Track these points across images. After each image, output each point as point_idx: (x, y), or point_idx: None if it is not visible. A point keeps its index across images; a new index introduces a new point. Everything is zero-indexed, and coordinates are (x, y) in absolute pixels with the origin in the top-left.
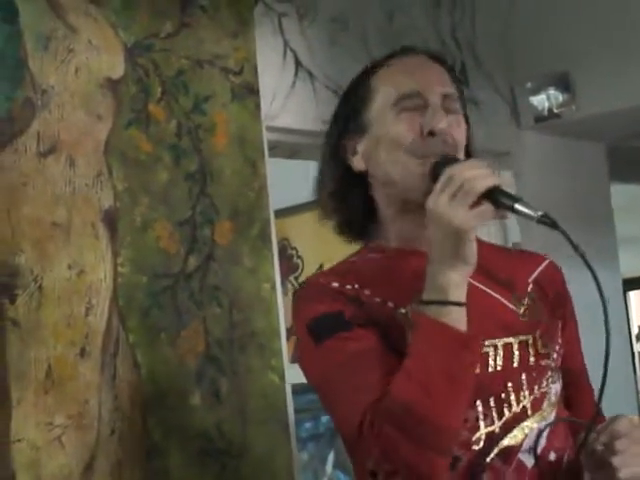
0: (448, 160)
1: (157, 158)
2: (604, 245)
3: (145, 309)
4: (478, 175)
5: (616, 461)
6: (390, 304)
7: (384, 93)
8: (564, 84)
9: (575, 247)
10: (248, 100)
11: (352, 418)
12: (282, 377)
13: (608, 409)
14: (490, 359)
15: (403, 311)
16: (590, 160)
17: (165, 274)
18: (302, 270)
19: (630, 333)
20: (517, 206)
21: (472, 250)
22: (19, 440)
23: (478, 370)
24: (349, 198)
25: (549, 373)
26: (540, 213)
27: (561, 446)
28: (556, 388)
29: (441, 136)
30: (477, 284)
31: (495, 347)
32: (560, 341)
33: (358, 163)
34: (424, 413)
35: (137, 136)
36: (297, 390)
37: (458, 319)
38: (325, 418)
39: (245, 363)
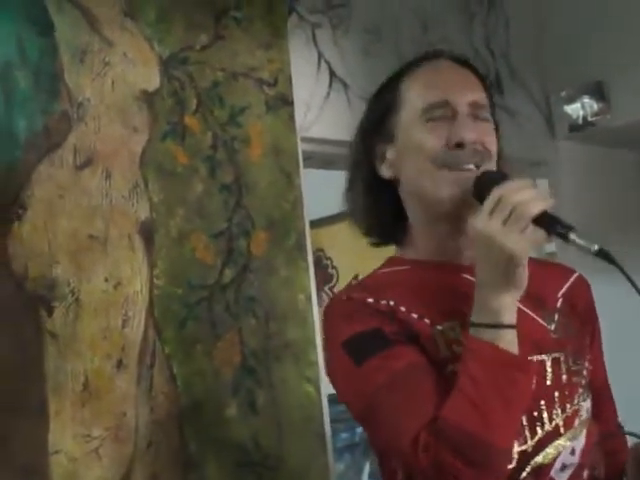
0: (493, 177)
1: (193, 170)
2: (637, 251)
3: (181, 321)
4: (529, 199)
5: None
6: (427, 320)
7: (412, 102)
8: (599, 93)
9: (631, 281)
10: (282, 111)
11: (402, 440)
12: (318, 388)
13: None
14: None
15: (440, 328)
16: (625, 168)
17: (201, 285)
18: (337, 280)
19: None
20: (571, 236)
21: (524, 274)
22: (57, 452)
23: None
24: (379, 204)
25: (580, 390)
26: (597, 247)
27: (593, 463)
28: (587, 405)
29: (470, 146)
30: None
31: None
32: (589, 357)
33: (387, 170)
34: (483, 438)
35: (173, 148)
36: (333, 400)
37: (511, 342)
38: (361, 428)
39: (281, 374)
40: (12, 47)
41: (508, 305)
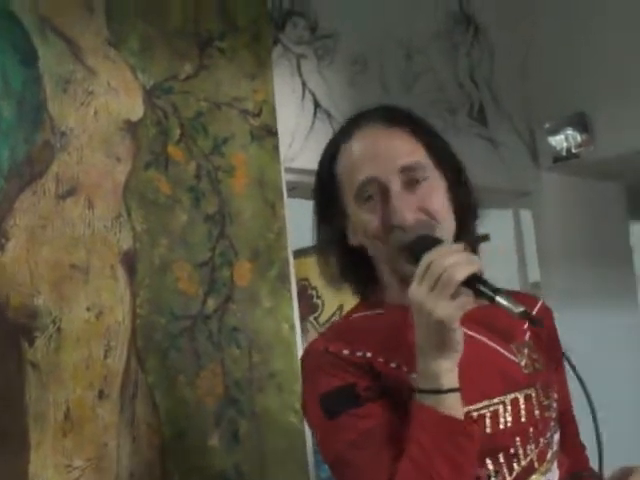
0: (425, 243)
1: (176, 200)
2: (623, 283)
3: (164, 350)
4: (456, 263)
5: None
6: (404, 368)
7: (346, 186)
8: (582, 124)
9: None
10: (267, 141)
11: None
12: (301, 418)
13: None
14: (500, 417)
15: (414, 376)
16: (609, 199)
17: (184, 315)
18: (322, 310)
19: None
20: (498, 299)
21: (457, 337)
22: None
23: (489, 429)
24: (351, 266)
25: (552, 424)
26: (521, 309)
27: None
28: (557, 437)
29: (411, 223)
30: (480, 337)
31: (504, 404)
32: (556, 388)
33: (353, 239)
34: None
35: (156, 178)
36: None
37: (453, 405)
38: None
39: (264, 404)
40: None
41: (446, 369)
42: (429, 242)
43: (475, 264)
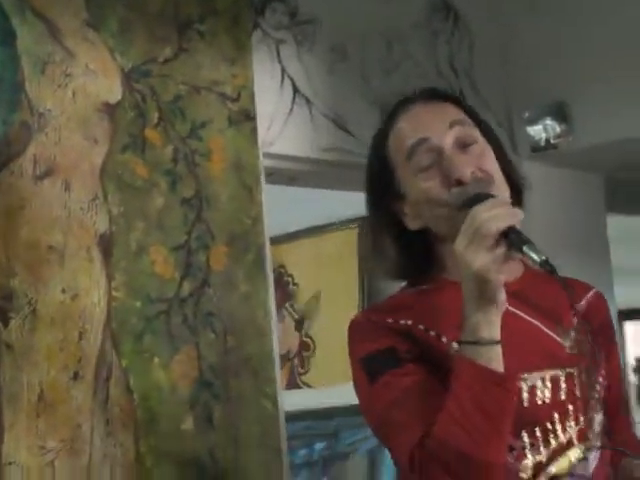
0: (474, 199)
1: (153, 183)
2: (599, 276)
3: (138, 334)
4: (494, 216)
5: None
6: (444, 339)
7: (400, 159)
8: (561, 115)
9: (570, 295)
10: (245, 126)
11: (403, 455)
12: (275, 403)
13: None
14: (538, 391)
15: (455, 345)
16: (587, 191)
17: (159, 299)
18: (298, 297)
19: (625, 364)
20: (525, 248)
21: (496, 289)
22: (11, 463)
23: (527, 403)
24: (409, 251)
25: (593, 404)
26: (543, 258)
27: (604, 476)
28: (599, 418)
29: (470, 178)
30: (523, 315)
31: (543, 379)
32: (604, 372)
33: (412, 223)
34: (465, 451)
35: (133, 161)
36: (291, 417)
37: (491, 357)
38: (319, 445)
39: (238, 389)
40: None
41: (485, 321)
42: (477, 198)
43: (515, 217)
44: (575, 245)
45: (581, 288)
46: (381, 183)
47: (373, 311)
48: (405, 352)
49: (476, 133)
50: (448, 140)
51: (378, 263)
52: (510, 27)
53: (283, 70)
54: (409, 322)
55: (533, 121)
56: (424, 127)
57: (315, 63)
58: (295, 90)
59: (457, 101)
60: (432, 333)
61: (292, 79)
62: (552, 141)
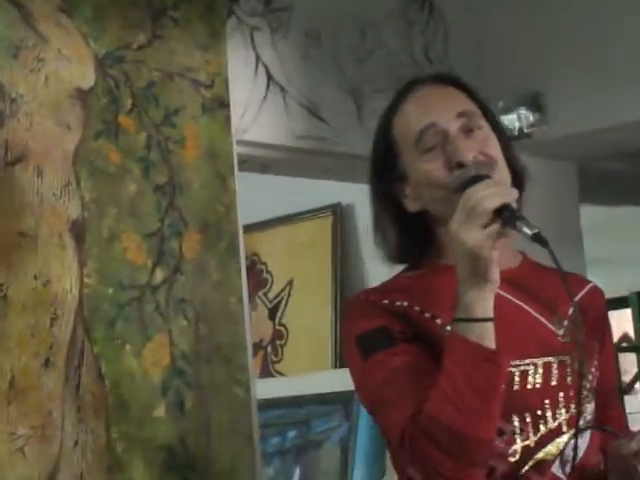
0: (471, 181)
1: (126, 169)
2: (573, 265)
3: (110, 320)
4: (490, 194)
5: None
6: (438, 321)
7: (406, 141)
8: (535, 104)
9: (559, 267)
10: (218, 113)
11: (394, 431)
12: (247, 391)
13: None
14: (529, 376)
15: (448, 328)
16: (560, 180)
17: (131, 286)
18: (271, 285)
19: None
20: (518, 224)
21: (490, 267)
22: None
23: (517, 386)
24: (408, 233)
25: (585, 393)
26: (535, 231)
27: (595, 462)
28: (591, 407)
29: (472, 161)
30: (519, 302)
31: (535, 365)
32: (597, 363)
33: (412, 205)
34: (456, 428)
35: (106, 147)
36: (263, 405)
37: (483, 334)
38: (292, 434)
39: (210, 376)
40: None
41: (478, 299)
42: (474, 179)
43: (510, 195)
44: (548, 234)
45: (579, 281)
46: (385, 163)
47: (372, 292)
48: (398, 332)
49: (481, 121)
50: (454, 127)
51: (379, 244)
52: (485, 17)
53: (257, 57)
54: (405, 304)
55: (507, 110)
56: (432, 111)
57: (289, 50)
58: (269, 77)
59: (465, 87)
60: (427, 315)
61: (266, 66)
62: (526, 130)
